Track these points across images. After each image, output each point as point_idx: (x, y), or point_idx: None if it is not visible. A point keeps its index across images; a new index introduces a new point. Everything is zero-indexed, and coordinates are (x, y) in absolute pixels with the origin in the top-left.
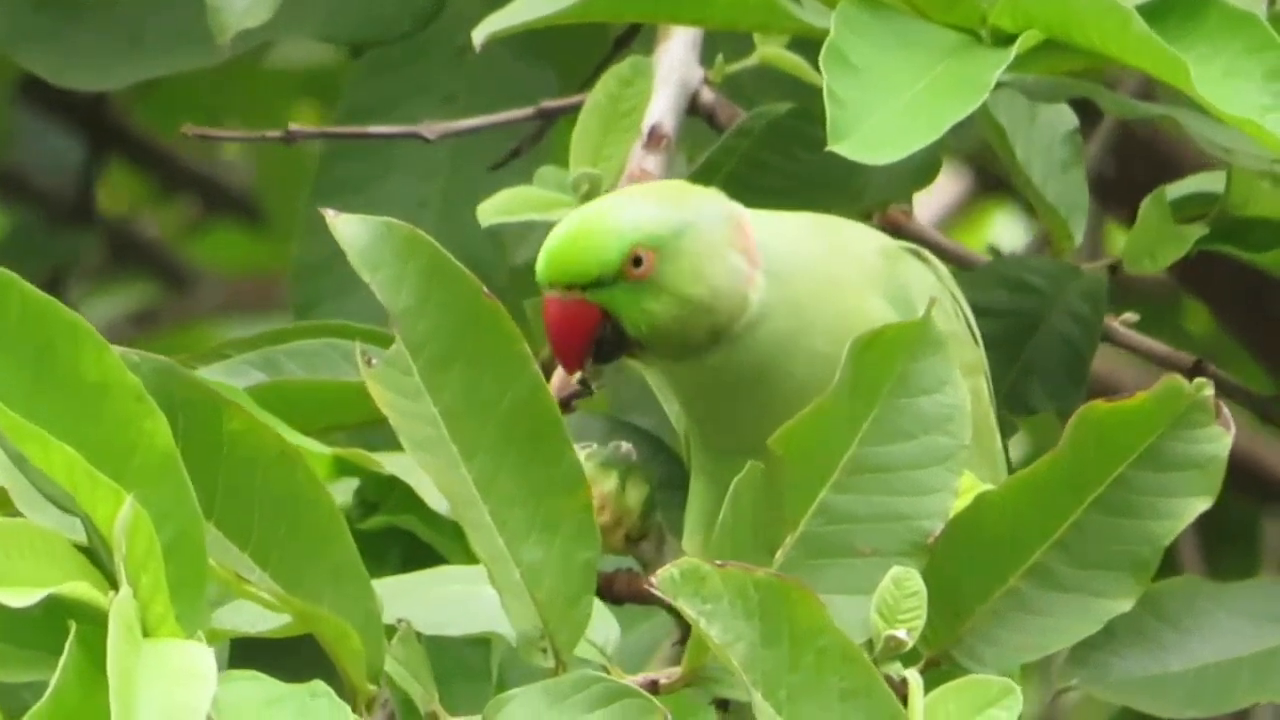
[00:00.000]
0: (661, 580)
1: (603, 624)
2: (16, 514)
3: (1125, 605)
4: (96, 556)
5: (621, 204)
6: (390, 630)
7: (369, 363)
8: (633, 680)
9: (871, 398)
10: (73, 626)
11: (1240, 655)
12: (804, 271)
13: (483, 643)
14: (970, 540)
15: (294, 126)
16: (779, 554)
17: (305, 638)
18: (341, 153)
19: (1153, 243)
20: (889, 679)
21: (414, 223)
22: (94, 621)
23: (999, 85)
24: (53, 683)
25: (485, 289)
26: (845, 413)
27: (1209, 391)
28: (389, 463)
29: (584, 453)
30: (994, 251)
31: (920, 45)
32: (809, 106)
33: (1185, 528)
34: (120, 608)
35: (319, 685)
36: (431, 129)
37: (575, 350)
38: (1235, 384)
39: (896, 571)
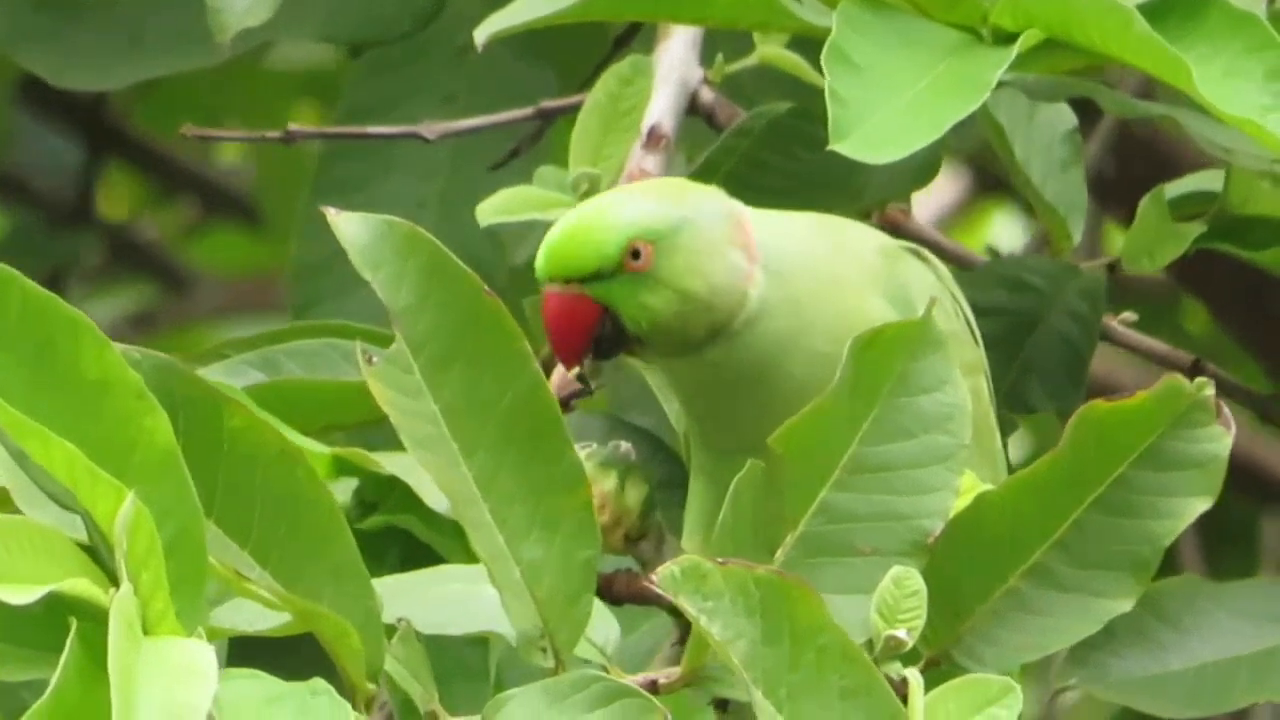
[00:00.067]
0: (662, 577)
1: (602, 623)
2: (17, 512)
3: (1125, 605)
4: (97, 554)
5: (621, 199)
6: (390, 629)
7: (369, 361)
8: (632, 680)
9: (872, 397)
10: (73, 624)
11: (1239, 655)
12: (804, 270)
13: (481, 643)
14: (970, 540)
15: (293, 126)
16: (779, 553)
17: (304, 637)
18: (341, 153)
19: (1151, 241)
20: (889, 679)
21: (413, 222)
22: (94, 619)
23: (999, 84)
24: (54, 680)
25: (485, 287)
26: (846, 411)
27: (1210, 391)
28: (388, 462)
29: (583, 452)
30: (992, 252)
31: (922, 44)
32: (808, 106)
33: (1185, 527)
34: (121, 605)
35: (319, 683)
36: (431, 129)
37: (574, 344)
38: (1234, 383)
39: (897, 571)
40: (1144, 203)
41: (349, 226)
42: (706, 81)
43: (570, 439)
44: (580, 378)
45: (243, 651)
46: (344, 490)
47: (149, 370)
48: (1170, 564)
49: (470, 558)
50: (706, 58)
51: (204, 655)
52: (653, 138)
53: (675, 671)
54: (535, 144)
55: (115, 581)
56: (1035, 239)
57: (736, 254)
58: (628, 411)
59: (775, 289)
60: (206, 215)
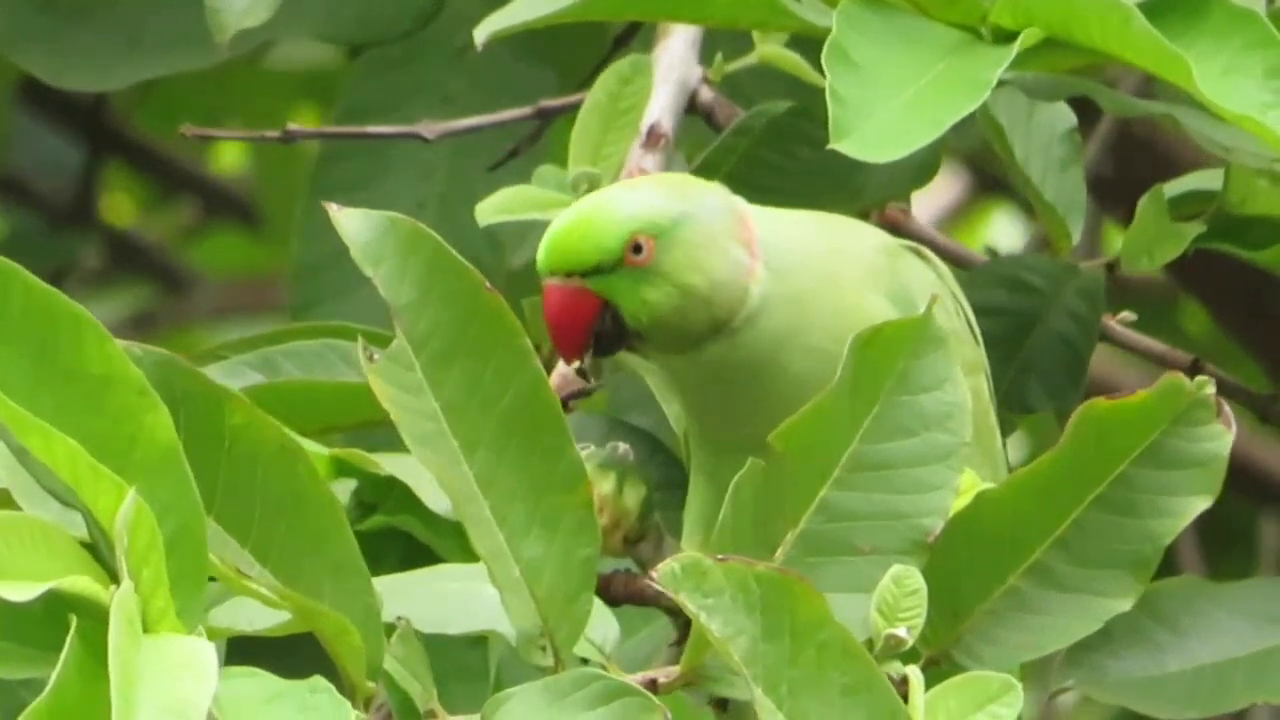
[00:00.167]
0: (663, 574)
1: (602, 622)
2: (17, 509)
3: (1125, 604)
4: (97, 551)
5: (623, 193)
6: (389, 628)
7: (370, 358)
8: (632, 679)
9: (872, 395)
10: (73, 621)
11: (1237, 656)
12: (805, 267)
13: (480, 644)
14: (970, 539)
15: (292, 126)
16: (779, 551)
17: (302, 637)
18: (340, 153)
19: (1150, 241)
20: (889, 678)
21: None
22: (94, 617)
23: (999, 83)
24: (54, 677)
25: (487, 283)
26: (846, 410)
27: (1210, 389)
28: (387, 464)
29: (582, 454)
30: (991, 251)
31: (921, 43)
32: (808, 105)
33: (1185, 526)
34: (122, 602)
35: (319, 681)
36: (430, 129)
37: (574, 338)
38: (1234, 383)
39: (896, 570)
40: (1143, 202)
41: (350, 223)
42: (706, 81)
43: (571, 437)
44: (580, 372)
45: (242, 651)
46: (343, 491)
47: (150, 366)
48: (1169, 564)
49: (469, 559)
50: (706, 57)
51: (204, 653)
52: (652, 137)
53: (674, 670)
54: (534, 144)
55: (116, 579)
56: (1035, 239)
57: (738, 250)
58: (627, 412)
59: (776, 285)
60: (206, 217)
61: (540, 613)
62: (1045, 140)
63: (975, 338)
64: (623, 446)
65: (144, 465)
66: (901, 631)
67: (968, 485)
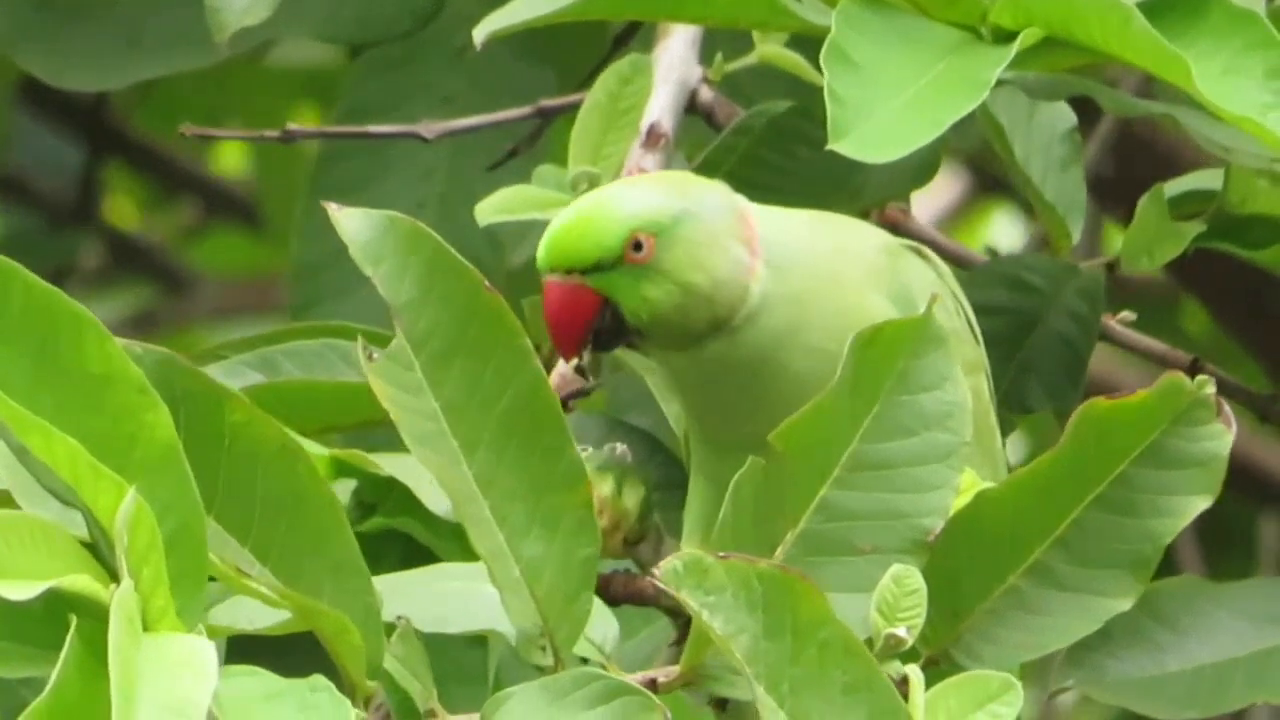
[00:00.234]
0: (664, 572)
1: (602, 622)
2: (18, 508)
3: (1125, 604)
4: (97, 550)
5: (623, 191)
6: (389, 627)
7: (370, 358)
8: (631, 678)
9: (872, 394)
10: (73, 620)
11: (1236, 656)
12: (805, 266)
13: (480, 645)
14: (970, 538)
15: (291, 126)
16: (779, 551)
17: (302, 636)
18: (340, 153)
19: (1150, 240)
20: (889, 677)
21: None
22: (94, 616)
23: (999, 83)
24: (54, 676)
25: (486, 282)
26: (846, 409)
27: (1210, 389)
28: (387, 464)
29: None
30: (992, 251)
31: (921, 43)
32: (808, 105)
33: (1185, 526)
34: (122, 601)
35: (319, 680)
36: (430, 128)
37: (573, 335)
38: (1233, 383)
39: (896, 569)
40: (1143, 202)
41: (350, 222)
42: (706, 80)
43: (571, 437)
44: (580, 370)
45: (241, 650)
46: (343, 491)
47: (150, 365)
48: (1168, 564)
49: (469, 559)
50: (706, 57)
51: (204, 651)
52: (652, 136)
53: (674, 670)
54: (534, 143)
55: (116, 577)
56: (1035, 238)
57: (738, 248)
58: (626, 412)
59: (777, 284)
60: (207, 217)
61: (540, 612)
62: (1045, 140)
63: (975, 337)
64: (621, 447)
65: (144, 464)
66: (901, 631)
67: (968, 485)
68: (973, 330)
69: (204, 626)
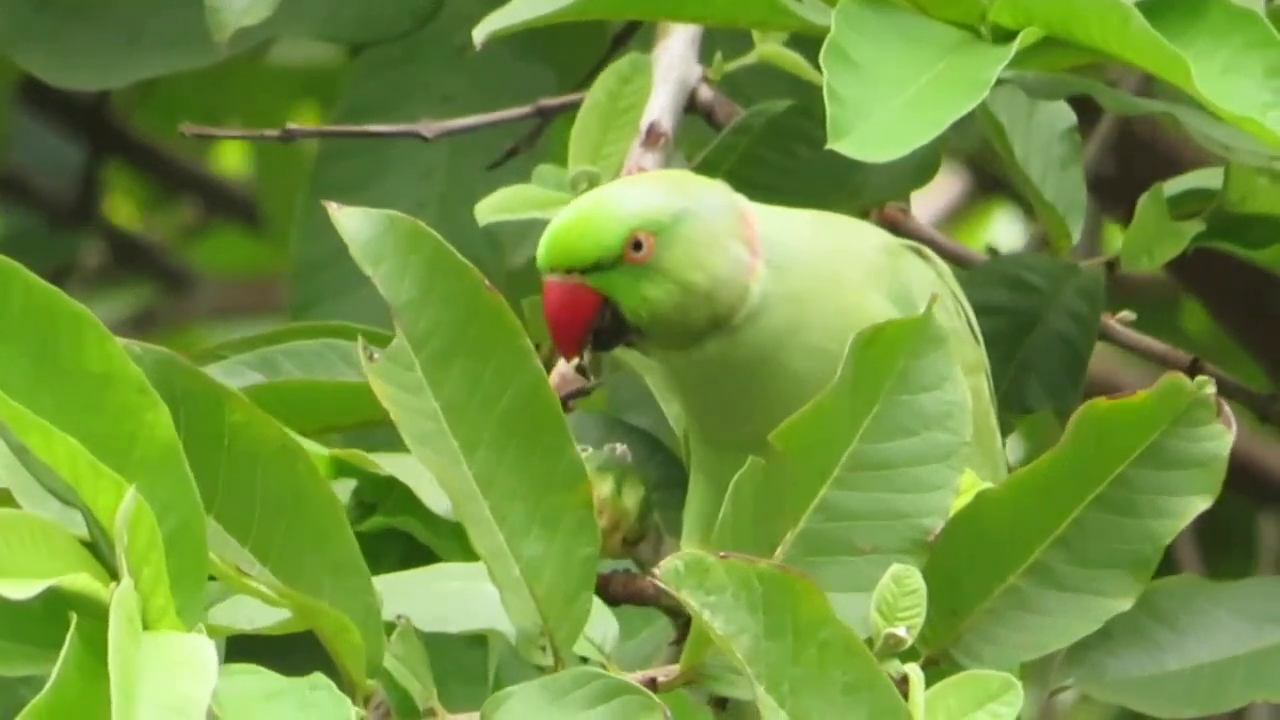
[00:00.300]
0: (665, 572)
1: (601, 621)
2: (18, 508)
3: (1125, 604)
4: (97, 549)
5: (623, 190)
6: (389, 627)
7: (370, 357)
8: (631, 677)
9: (873, 394)
10: (73, 619)
11: (1236, 655)
12: (806, 265)
13: (479, 644)
14: (970, 538)
15: (291, 125)
16: (779, 550)
17: (302, 636)
18: (339, 152)
19: (1150, 240)
20: (889, 677)
21: None
22: (93, 615)
23: (999, 82)
24: (54, 675)
25: (487, 282)
26: (846, 409)
27: (1210, 389)
28: (387, 463)
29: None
30: (992, 251)
31: (921, 42)
32: (807, 104)
33: (1185, 526)
34: (122, 600)
35: (319, 679)
36: (429, 128)
37: (574, 334)
38: (1233, 383)
39: (896, 569)
40: (1142, 201)
41: (350, 222)
42: (705, 79)
43: (571, 437)
44: (580, 369)
45: (241, 649)
46: (343, 491)
47: (150, 365)
48: (1168, 563)
49: (469, 559)
50: (705, 56)
51: (204, 650)
52: (652, 136)
53: (674, 669)
54: (534, 143)
55: (115, 577)
56: (1035, 238)
57: (738, 247)
58: (626, 412)
59: (777, 283)
60: (207, 216)
61: (540, 612)
62: (1045, 139)
63: (975, 337)
64: (620, 447)
65: (144, 464)
66: (901, 631)
67: (968, 485)
68: (973, 330)
69: (204, 626)
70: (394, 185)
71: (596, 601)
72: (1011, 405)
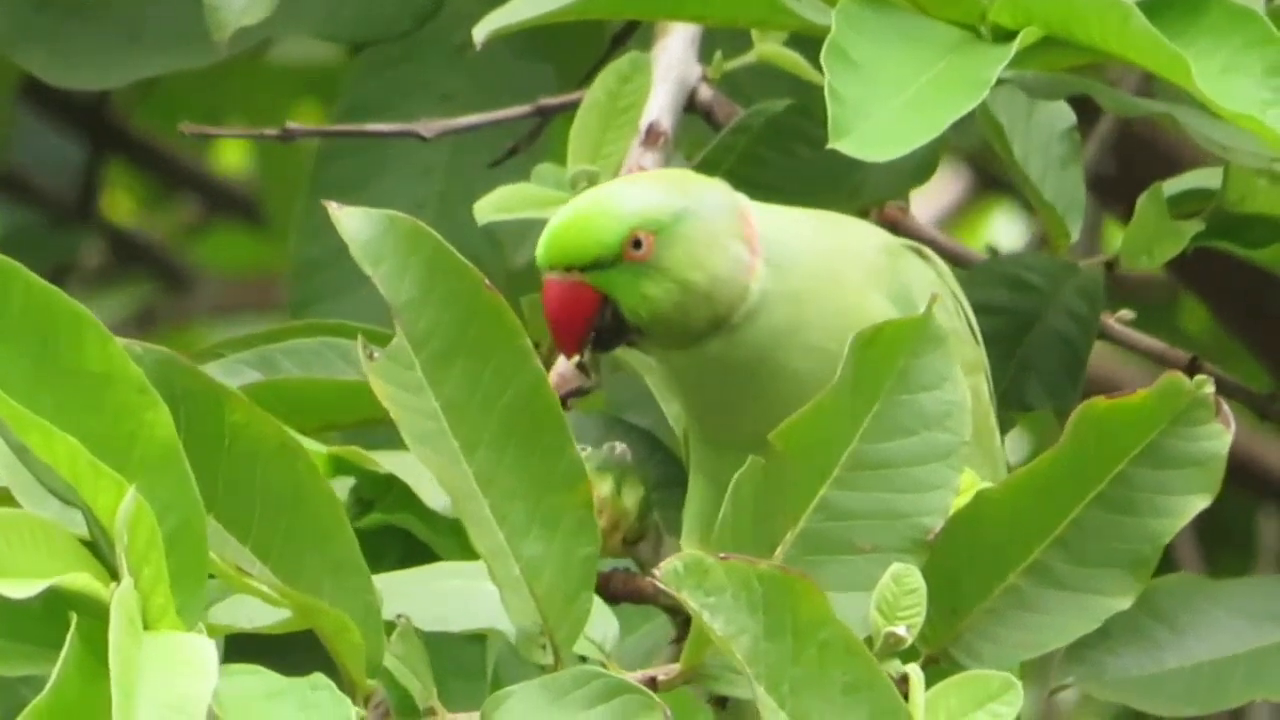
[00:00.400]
0: (665, 573)
1: (601, 621)
2: (18, 507)
3: (1124, 603)
4: (97, 549)
5: (623, 188)
6: (389, 626)
7: (370, 357)
8: (631, 676)
9: (872, 394)
10: (73, 619)
11: (1236, 653)
12: (805, 264)
13: (479, 641)
14: (970, 537)
15: (291, 125)
16: (779, 550)
17: (302, 635)
18: (339, 151)
19: (1150, 239)
20: (889, 676)
21: None
22: (94, 615)
23: (998, 82)
24: (54, 674)
25: (487, 282)
26: (846, 409)
27: (1210, 389)
28: (386, 461)
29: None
30: (992, 250)
31: (921, 41)
32: (807, 103)
33: (1184, 525)
34: (122, 599)
35: (320, 678)
36: (429, 127)
37: (573, 332)
38: (1232, 381)
39: (896, 568)
40: (1142, 200)
41: (351, 221)
42: (705, 79)
43: (571, 436)
44: (580, 366)
45: (242, 649)
46: (341, 489)
47: (150, 364)
48: (1167, 562)
49: (468, 556)
50: (705, 55)
51: (204, 650)
52: (651, 135)
53: (674, 668)
54: (534, 142)
55: (116, 576)
56: (1036, 237)
57: (738, 246)
58: (625, 411)
59: (776, 282)
60: (208, 214)
61: (540, 611)
62: (1044, 139)
63: (975, 337)
64: (620, 447)
65: (144, 463)
66: (901, 630)
67: (967, 484)
68: (972, 330)
69: (204, 625)
70: (394, 184)
71: (596, 601)
72: (1011, 404)
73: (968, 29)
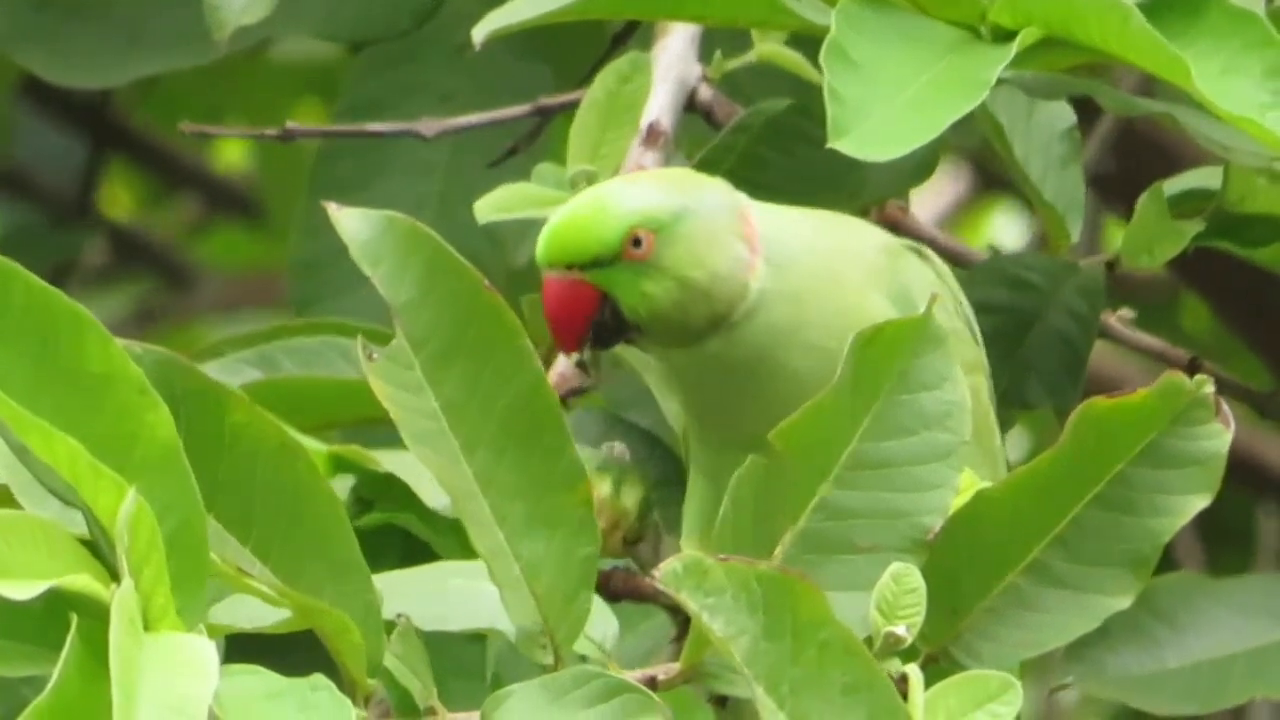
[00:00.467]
0: (664, 574)
1: (601, 620)
2: (18, 507)
3: (1124, 602)
4: (98, 549)
5: (623, 187)
6: (389, 625)
7: (370, 357)
8: (631, 676)
9: (872, 393)
10: (74, 619)
11: (1235, 651)
12: (805, 264)
13: (478, 641)
14: (970, 537)
15: (291, 124)
16: (779, 549)
17: (302, 635)
18: (339, 151)
19: (1150, 238)
20: (888, 676)
21: None
22: (94, 615)
23: (998, 82)
24: (55, 675)
25: (486, 282)
26: (846, 408)
27: (1209, 388)
28: (385, 460)
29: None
30: (993, 250)
31: (921, 41)
32: (807, 103)
33: (1184, 524)
34: (122, 600)
35: (320, 679)
36: (429, 126)
37: (573, 330)
38: (1232, 381)
39: (896, 568)
40: (1143, 199)
41: (350, 222)
42: (705, 79)
43: (570, 436)
44: (580, 364)
45: (242, 649)
46: (341, 487)
47: (151, 365)
48: (1167, 560)
49: (468, 555)
50: (705, 55)
51: (205, 650)
52: (651, 135)
53: (674, 668)
54: (533, 141)
55: (116, 577)
56: (1037, 236)
57: (738, 245)
58: (625, 410)
59: (776, 282)
60: (209, 212)
61: (540, 610)
62: (1045, 139)
63: (975, 337)
64: (619, 446)
65: (144, 464)
66: (900, 629)
67: (967, 484)
68: (972, 330)
69: (204, 625)
70: (393, 184)
71: (596, 600)
72: (1012, 403)
73: (968, 29)
